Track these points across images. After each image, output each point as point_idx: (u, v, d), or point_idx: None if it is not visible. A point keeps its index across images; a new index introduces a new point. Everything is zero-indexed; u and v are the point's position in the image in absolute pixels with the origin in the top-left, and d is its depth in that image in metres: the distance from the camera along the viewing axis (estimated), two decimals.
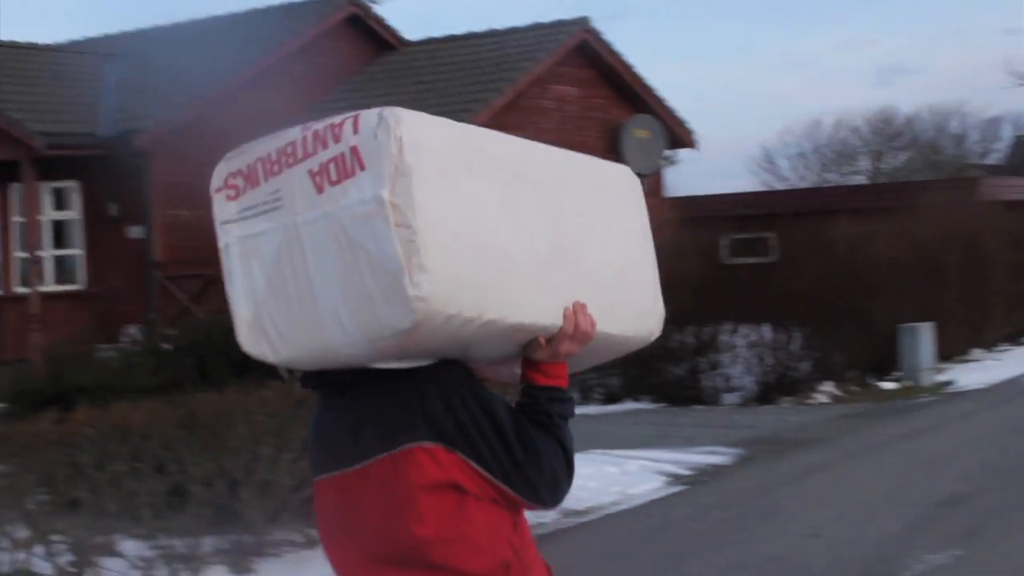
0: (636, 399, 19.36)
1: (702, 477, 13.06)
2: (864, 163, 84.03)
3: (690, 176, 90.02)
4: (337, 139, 3.03)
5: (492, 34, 25.33)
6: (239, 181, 3.26)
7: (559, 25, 24.18)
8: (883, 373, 20.11)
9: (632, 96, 24.92)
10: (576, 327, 3.23)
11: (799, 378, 19.05)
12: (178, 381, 12.78)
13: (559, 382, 3.30)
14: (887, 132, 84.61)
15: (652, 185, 25.53)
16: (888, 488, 11.97)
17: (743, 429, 16.07)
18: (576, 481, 3.24)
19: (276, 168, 3.16)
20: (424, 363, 3.12)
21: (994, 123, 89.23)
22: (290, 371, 3.29)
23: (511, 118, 22.72)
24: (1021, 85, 59.72)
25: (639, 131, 24.45)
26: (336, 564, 3.33)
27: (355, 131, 3.00)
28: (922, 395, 18.67)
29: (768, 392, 18.83)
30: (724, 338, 19.42)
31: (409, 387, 3.13)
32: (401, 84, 23.84)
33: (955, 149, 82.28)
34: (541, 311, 3.17)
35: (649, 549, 10.29)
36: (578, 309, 3.24)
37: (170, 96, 22.26)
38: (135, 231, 21.98)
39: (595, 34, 24.16)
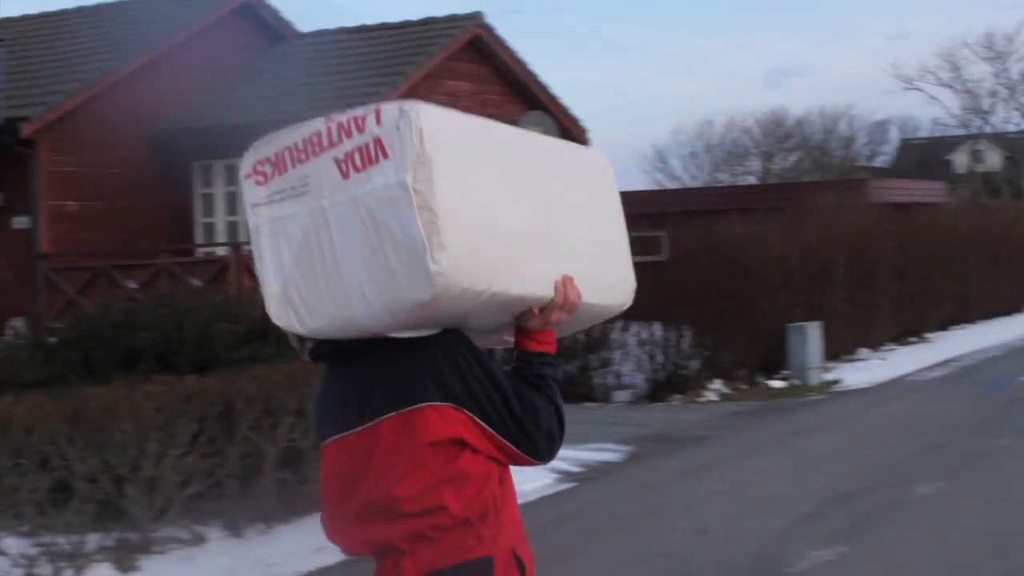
0: None
1: (592, 474, 13.09)
2: (755, 163, 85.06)
3: None
4: (361, 129, 3.34)
5: (385, 27, 25.16)
6: (267, 168, 3.54)
7: (452, 20, 24.10)
8: (772, 371, 20.33)
9: (526, 93, 24.92)
10: (565, 298, 3.60)
11: (689, 376, 19.20)
12: (63, 375, 12.52)
13: (549, 348, 3.67)
14: (777, 133, 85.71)
15: None
16: (775, 485, 12.09)
17: (633, 426, 16.16)
18: None
19: (303, 156, 3.46)
20: (433, 332, 3.46)
21: (881, 126, 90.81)
22: (301, 341, 3.61)
23: None
24: (907, 89, 60.56)
25: (532, 128, 24.38)
26: (334, 527, 3.67)
27: (378, 123, 3.32)
28: (810, 393, 18.90)
29: (659, 390, 18.96)
30: (615, 336, 19.48)
31: (419, 352, 3.46)
32: (292, 76, 23.60)
33: (844, 151, 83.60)
34: (537, 284, 3.53)
35: (537, 545, 10.18)
36: (567, 282, 3.60)
37: (58, 84, 21.86)
38: (20, 221, 21.52)
39: (489, 30, 24.11)
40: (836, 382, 19.93)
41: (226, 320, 12.98)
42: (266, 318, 3.61)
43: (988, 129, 62.08)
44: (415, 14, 28.75)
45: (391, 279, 3.28)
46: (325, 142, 3.41)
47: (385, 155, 3.30)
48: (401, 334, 3.42)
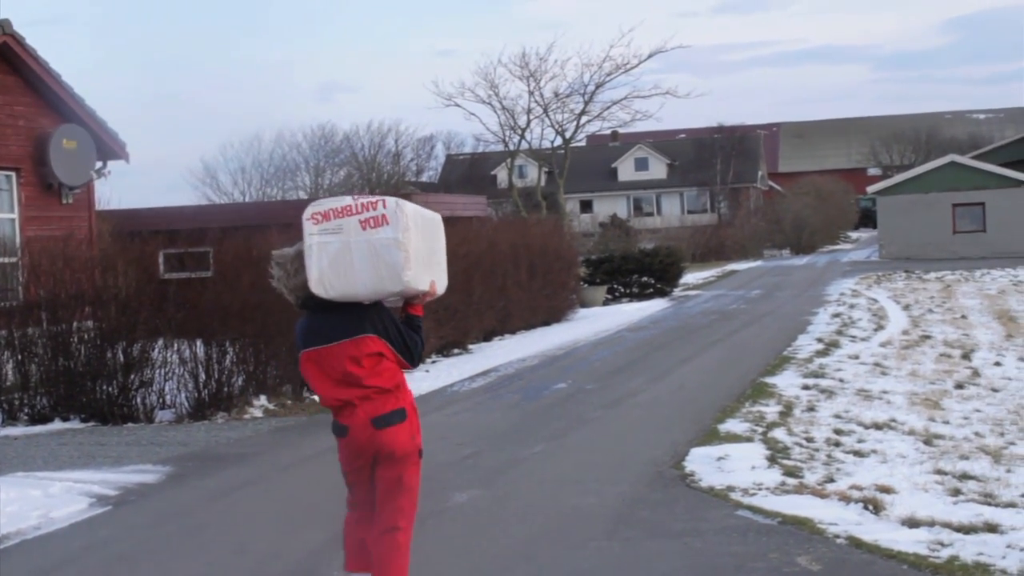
0: (66, 419, 18.61)
1: (128, 497, 12.71)
2: (305, 178, 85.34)
3: (133, 189, 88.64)
4: (375, 208, 7.19)
5: None
6: (319, 217, 7.23)
7: None
8: None
9: (59, 105, 23.96)
10: (434, 290, 7.51)
11: (234, 393, 18.90)
12: None
13: (420, 312, 7.51)
14: (327, 148, 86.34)
15: (83, 197, 24.71)
16: (315, 500, 12.08)
17: (174, 446, 15.80)
18: None
19: (340, 215, 7.20)
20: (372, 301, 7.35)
21: (428, 142, 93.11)
22: (297, 299, 7.39)
23: None
24: (448, 106, 62.12)
25: (66, 141, 23.57)
26: (320, 391, 7.40)
27: (384, 206, 7.20)
28: None
29: (202, 408, 18.59)
30: (157, 354, 18.99)
31: (363, 310, 7.30)
32: None
33: (392, 166, 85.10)
34: (425, 283, 7.41)
35: (67, 573, 9.89)
36: (433, 283, 7.49)
37: None
38: None
39: (17, 39, 23.02)
40: None
41: None
42: None
43: (525, 145, 64.41)
44: None
45: (380, 280, 7.19)
46: (354, 211, 7.21)
47: (387, 223, 7.17)
48: (365, 301, 7.30)
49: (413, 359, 7.41)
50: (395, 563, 7.52)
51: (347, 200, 7.22)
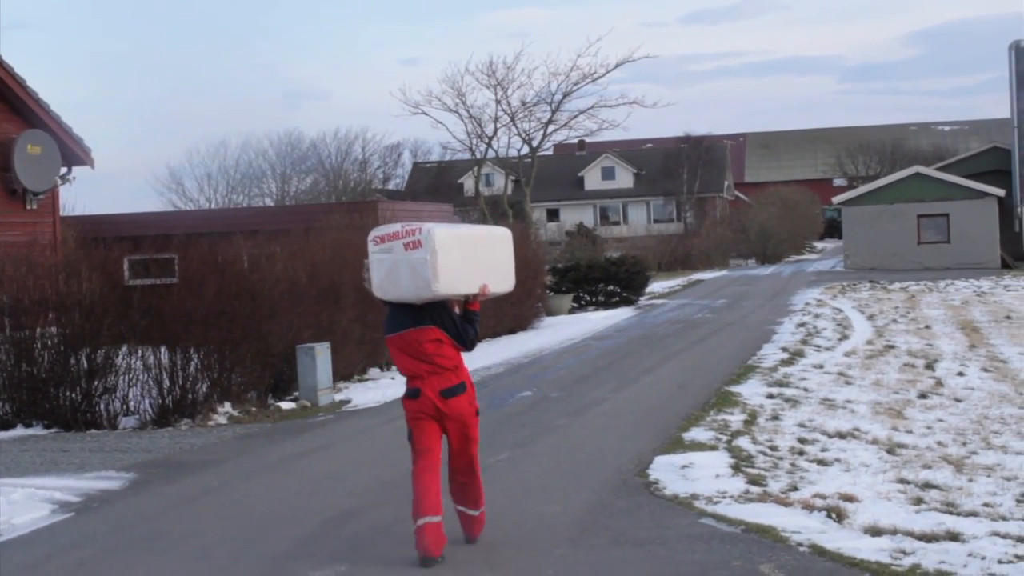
0: (28, 425, 18.50)
1: (91, 503, 12.65)
2: (272, 185, 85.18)
3: (98, 195, 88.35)
4: (414, 234, 9.59)
5: None
6: (378, 239, 9.80)
7: None
8: (283, 393, 20.29)
9: (24, 111, 23.85)
10: (485, 291, 9.96)
11: (198, 400, 18.81)
12: None
13: (477, 308, 10.02)
14: (293, 155, 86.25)
15: (47, 203, 24.60)
16: (280, 507, 12.03)
17: (137, 453, 15.72)
18: None
19: (391, 239, 9.72)
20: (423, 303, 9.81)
21: (395, 149, 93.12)
22: (382, 301, 10.01)
23: None
24: (415, 114, 61.90)
25: (31, 147, 23.48)
26: (399, 364, 9.91)
27: (420, 232, 9.57)
28: (319, 414, 18.96)
29: (166, 414, 18.49)
30: (121, 360, 18.88)
31: (425, 307, 9.76)
32: None
33: (359, 174, 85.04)
34: (474, 286, 9.85)
35: None
36: (484, 285, 9.93)
37: None
38: None
39: None
40: (346, 402, 20.10)
41: None
42: None
43: (492, 154, 64.35)
44: None
45: (418, 289, 9.56)
46: (401, 235, 9.64)
47: (421, 246, 9.48)
48: (416, 303, 9.69)
49: (466, 344, 9.87)
50: (481, 493, 10.27)
51: (396, 227, 9.77)
